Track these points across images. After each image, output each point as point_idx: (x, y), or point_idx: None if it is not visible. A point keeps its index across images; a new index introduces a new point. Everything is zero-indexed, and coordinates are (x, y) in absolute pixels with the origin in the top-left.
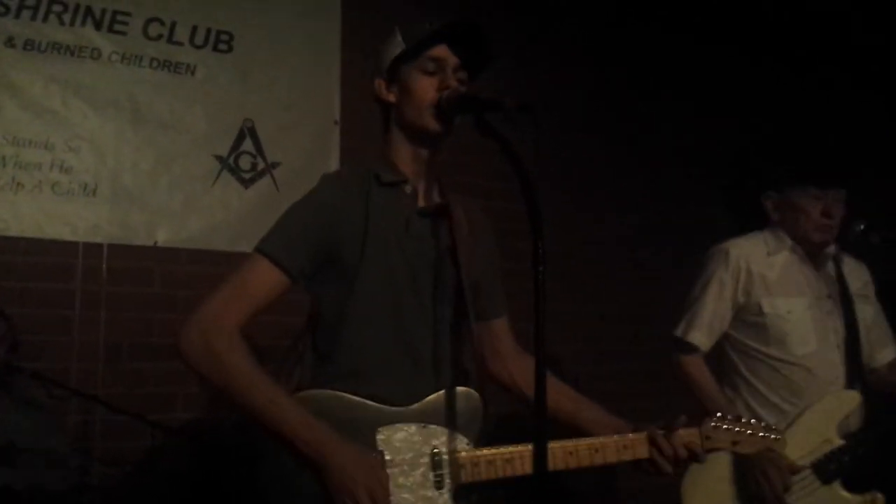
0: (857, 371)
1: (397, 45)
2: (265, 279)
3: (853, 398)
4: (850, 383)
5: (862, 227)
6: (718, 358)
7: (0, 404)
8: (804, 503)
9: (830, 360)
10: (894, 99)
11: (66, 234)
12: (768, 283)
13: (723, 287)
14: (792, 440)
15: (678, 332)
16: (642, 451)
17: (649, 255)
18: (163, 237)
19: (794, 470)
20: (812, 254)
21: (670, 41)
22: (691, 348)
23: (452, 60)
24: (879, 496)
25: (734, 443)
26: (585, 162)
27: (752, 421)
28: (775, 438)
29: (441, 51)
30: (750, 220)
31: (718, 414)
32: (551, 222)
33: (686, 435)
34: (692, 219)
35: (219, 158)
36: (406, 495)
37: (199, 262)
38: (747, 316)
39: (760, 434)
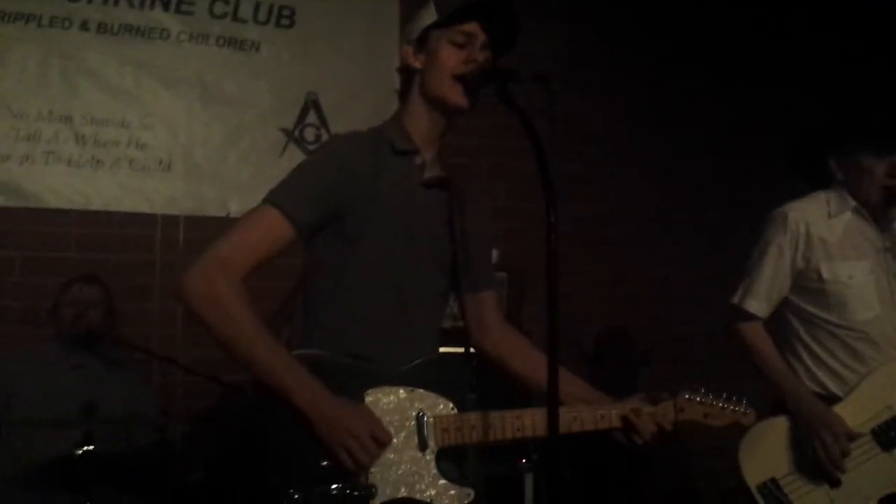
0: None
1: (430, 15)
2: (273, 230)
3: None
4: None
5: None
6: (779, 324)
7: (88, 365)
8: (863, 469)
9: (894, 325)
10: None
11: (144, 208)
12: (828, 246)
13: (781, 253)
14: (853, 406)
15: (735, 299)
16: (616, 422)
17: (698, 221)
18: (235, 208)
19: (852, 436)
20: (877, 214)
21: (717, 11)
22: (749, 316)
23: (481, 37)
24: None
25: (705, 415)
26: (638, 128)
27: (725, 395)
28: (744, 412)
29: (472, 26)
30: (814, 180)
31: (693, 387)
32: (606, 182)
33: (661, 408)
34: (745, 184)
35: (285, 131)
36: (391, 455)
37: None
38: (807, 282)
39: (731, 408)
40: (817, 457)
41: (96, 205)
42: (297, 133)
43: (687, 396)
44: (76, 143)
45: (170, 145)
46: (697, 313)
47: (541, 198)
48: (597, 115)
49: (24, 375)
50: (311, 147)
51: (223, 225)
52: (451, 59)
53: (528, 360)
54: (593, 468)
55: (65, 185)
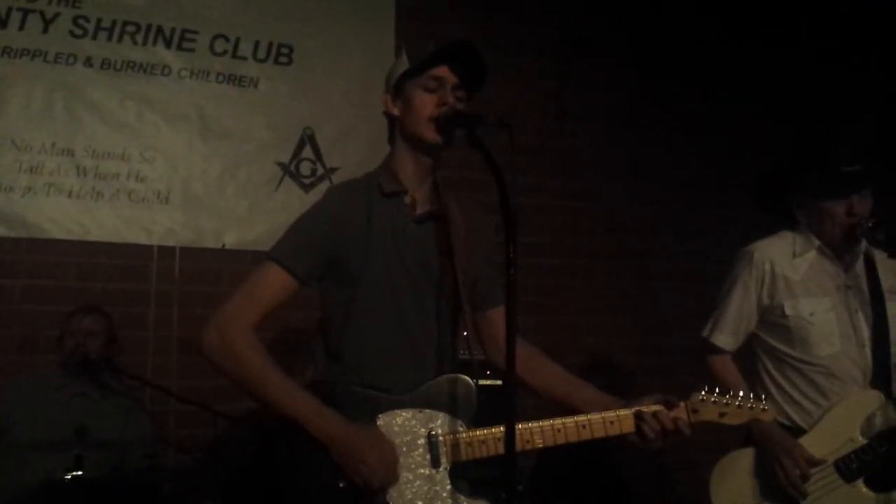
0: (884, 370)
1: (403, 64)
2: (276, 282)
3: (875, 398)
4: (876, 382)
5: (870, 223)
6: (749, 359)
7: (89, 393)
8: (826, 500)
9: (854, 360)
10: None
11: (142, 238)
12: (791, 284)
13: (747, 290)
14: (816, 439)
15: (705, 333)
16: (628, 426)
17: (686, 248)
18: (230, 240)
19: (813, 462)
20: (841, 253)
21: (712, 43)
22: (717, 349)
23: (451, 79)
24: None
25: (721, 414)
26: (628, 162)
27: (741, 393)
28: (763, 409)
29: (441, 71)
30: (781, 218)
31: (706, 388)
32: (599, 214)
33: (673, 410)
34: (734, 215)
35: (281, 165)
36: (406, 474)
37: None
38: (772, 317)
39: (749, 406)
40: (778, 481)
41: (95, 235)
42: (292, 167)
43: (701, 398)
44: (77, 176)
45: (169, 178)
46: (687, 342)
47: (530, 232)
48: (590, 148)
49: (26, 401)
50: (306, 181)
51: (218, 256)
52: (424, 104)
53: (541, 372)
54: (580, 497)
55: (65, 215)
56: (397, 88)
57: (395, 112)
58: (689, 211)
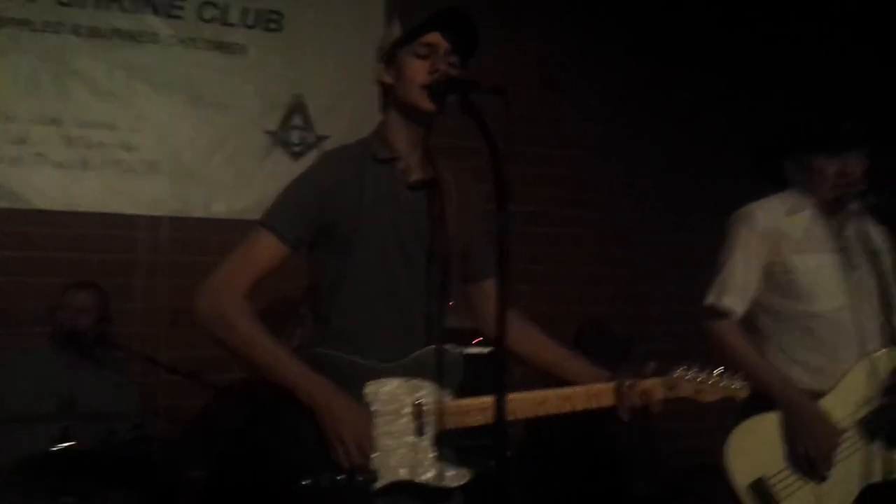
0: (889, 326)
1: (395, 32)
2: (267, 249)
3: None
4: (883, 338)
5: (861, 188)
6: (747, 329)
7: (79, 365)
8: (847, 463)
9: (862, 314)
10: None
11: (130, 209)
12: (793, 241)
13: (748, 248)
14: (836, 400)
15: (710, 299)
16: (608, 400)
17: (678, 220)
18: (219, 209)
19: (842, 433)
20: (833, 213)
21: (706, 18)
22: (723, 313)
23: (444, 46)
24: None
25: (697, 391)
26: (622, 132)
27: (716, 371)
28: (737, 387)
29: (433, 37)
30: (775, 183)
31: (684, 367)
32: (591, 183)
33: (650, 384)
34: (723, 188)
35: (270, 134)
36: (389, 441)
37: None
38: (775, 276)
39: (722, 383)
40: (808, 453)
41: (83, 206)
42: (282, 135)
43: (676, 375)
44: (65, 146)
45: (157, 147)
46: (676, 312)
47: (523, 200)
48: (583, 120)
49: (15, 373)
50: (296, 149)
51: (206, 226)
52: (416, 71)
53: (530, 342)
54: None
55: (53, 186)
56: (389, 57)
57: (388, 80)
58: (682, 183)
